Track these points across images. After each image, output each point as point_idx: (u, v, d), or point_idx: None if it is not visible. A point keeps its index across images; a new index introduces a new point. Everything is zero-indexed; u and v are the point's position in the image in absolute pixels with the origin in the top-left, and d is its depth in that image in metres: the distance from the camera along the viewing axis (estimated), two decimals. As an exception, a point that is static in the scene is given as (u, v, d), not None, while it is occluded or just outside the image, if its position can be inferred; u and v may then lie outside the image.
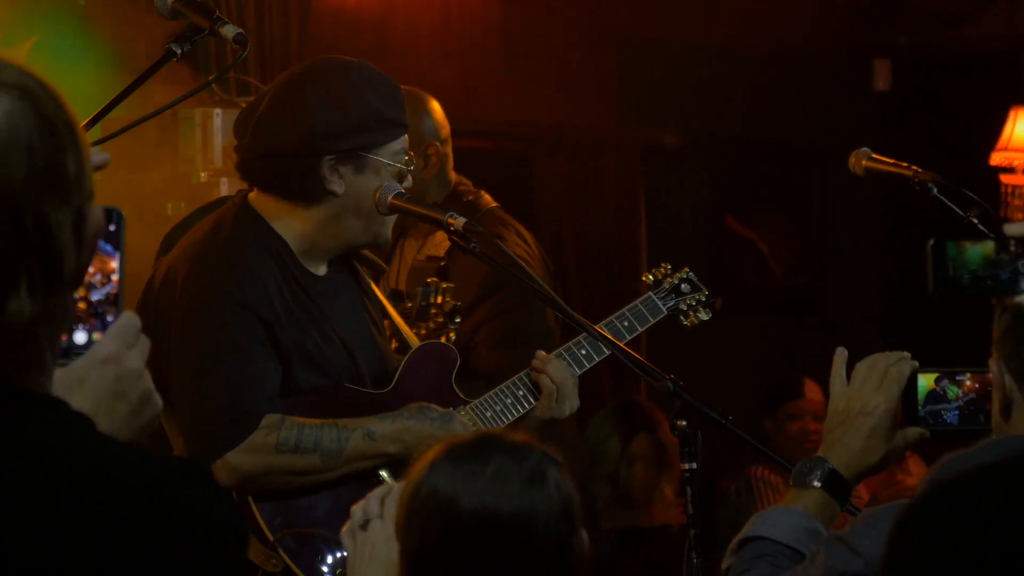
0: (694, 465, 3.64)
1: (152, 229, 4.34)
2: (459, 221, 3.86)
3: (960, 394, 2.83)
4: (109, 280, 1.96)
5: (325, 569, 3.72)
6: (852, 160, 4.29)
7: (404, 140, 3.91)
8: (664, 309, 4.35)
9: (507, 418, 4.02)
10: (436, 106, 4.85)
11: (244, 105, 4.19)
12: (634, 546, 6.40)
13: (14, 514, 1.70)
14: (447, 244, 4.27)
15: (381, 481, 3.80)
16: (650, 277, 4.39)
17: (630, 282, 4.43)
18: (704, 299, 4.41)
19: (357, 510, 2.71)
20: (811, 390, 6.94)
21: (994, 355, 2.38)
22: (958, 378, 2.84)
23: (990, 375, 2.44)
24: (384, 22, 7.21)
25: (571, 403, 4.05)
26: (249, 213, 3.89)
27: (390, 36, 7.19)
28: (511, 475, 2.48)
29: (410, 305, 4.25)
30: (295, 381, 3.80)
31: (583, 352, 4.12)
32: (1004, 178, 7.75)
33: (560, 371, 4.04)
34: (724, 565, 2.93)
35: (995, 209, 4.61)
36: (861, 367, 2.94)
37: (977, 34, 8.88)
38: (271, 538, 3.70)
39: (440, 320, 4.18)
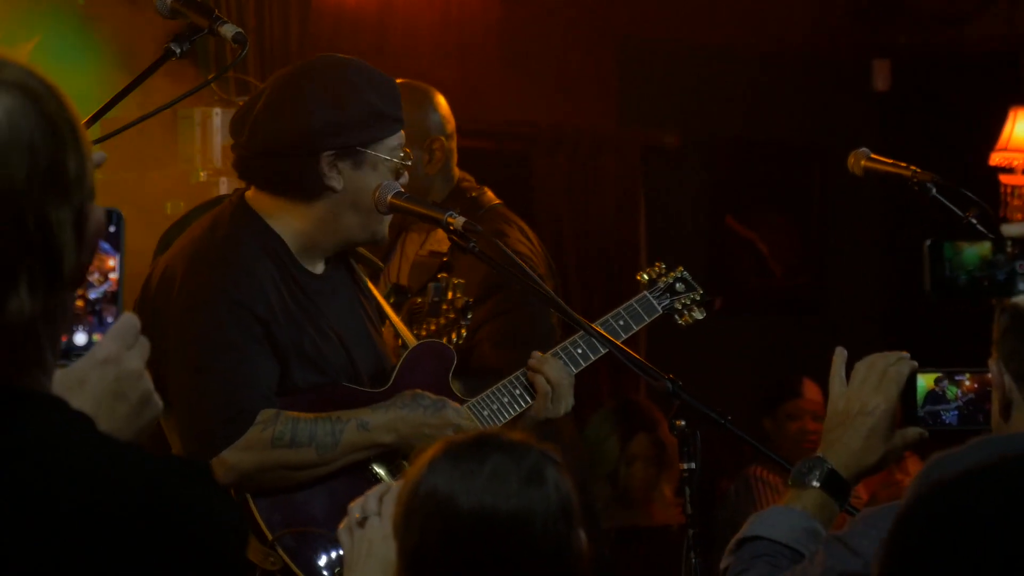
0: (693, 465, 3.64)
1: (152, 228, 4.35)
2: (458, 220, 3.86)
3: (959, 394, 2.84)
4: (107, 278, 1.96)
5: (324, 568, 3.72)
6: (851, 160, 4.29)
7: (401, 136, 3.91)
8: (659, 308, 4.35)
9: (504, 416, 4.03)
10: (442, 101, 4.84)
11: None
12: (633, 546, 6.40)
13: (14, 514, 1.70)
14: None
15: (378, 478, 3.80)
16: (645, 276, 4.39)
17: (630, 282, 4.42)
18: (699, 298, 4.41)
19: (355, 507, 2.71)
20: (810, 390, 6.95)
21: (993, 355, 2.38)
22: (957, 378, 2.84)
23: (989, 375, 2.44)
24: (384, 22, 7.21)
25: (566, 403, 4.05)
26: (246, 211, 3.89)
27: (390, 36, 7.19)
28: (509, 474, 2.48)
29: (420, 301, 4.25)
30: (292, 379, 3.80)
31: (579, 351, 4.12)
32: (1003, 178, 7.75)
33: (556, 371, 4.04)
34: (723, 565, 2.93)
35: (994, 209, 4.62)
36: (860, 367, 2.94)
37: (977, 34, 8.88)
38: (270, 537, 3.70)
39: (452, 316, 4.17)
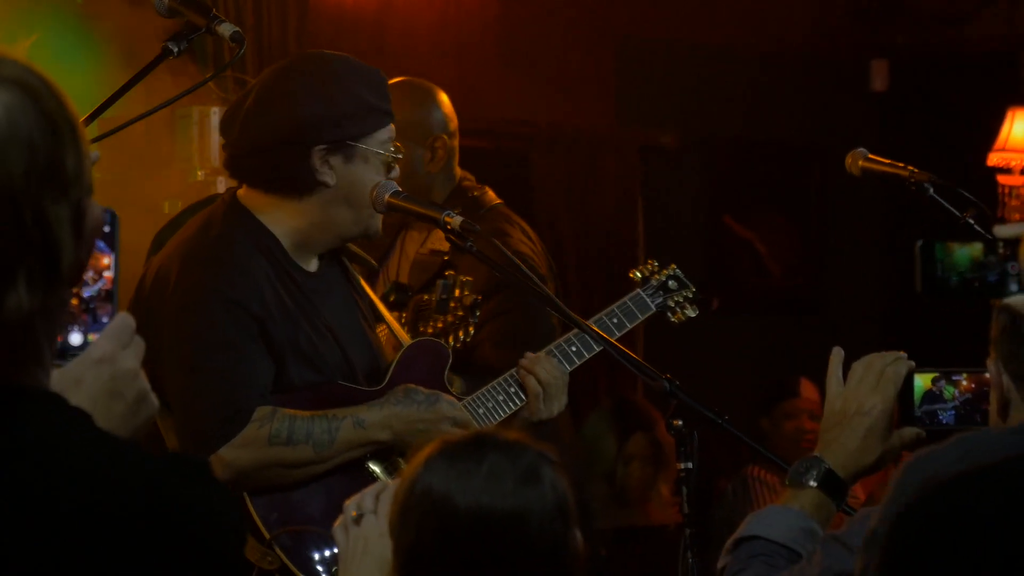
0: (690, 464, 3.64)
1: (150, 228, 4.35)
2: (456, 220, 3.86)
3: (956, 394, 2.84)
4: (101, 276, 1.96)
5: (321, 566, 3.72)
6: (848, 160, 4.29)
7: (391, 129, 3.91)
8: (652, 306, 4.35)
9: (499, 415, 4.03)
10: (444, 98, 4.83)
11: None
12: (630, 545, 6.40)
13: (14, 514, 1.70)
14: (451, 238, 4.27)
15: (374, 476, 3.80)
16: (638, 274, 4.39)
17: (628, 281, 4.42)
18: (691, 295, 4.41)
19: (351, 505, 2.71)
20: (807, 389, 6.95)
21: (992, 355, 2.38)
22: (954, 378, 2.84)
23: (987, 375, 2.44)
24: (382, 21, 7.22)
25: (559, 403, 4.05)
26: (239, 210, 3.89)
27: (388, 34, 7.20)
28: (506, 474, 2.48)
29: (427, 298, 4.24)
30: (288, 377, 3.79)
31: (574, 349, 4.12)
32: (1001, 179, 7.75)
33: (547, 371, 4.04)
34: (720, 564, 2.93)
35: (992, 209, 4.62)
36: (857, 367, 2.94)
37: (976, 34, 8.88)
38: (267, 536, 3.70)
39: (460, 314, 4.17)
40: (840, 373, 2.97)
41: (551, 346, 4.12)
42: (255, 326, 3.75)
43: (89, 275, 1.94)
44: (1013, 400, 2.37)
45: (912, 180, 4.18)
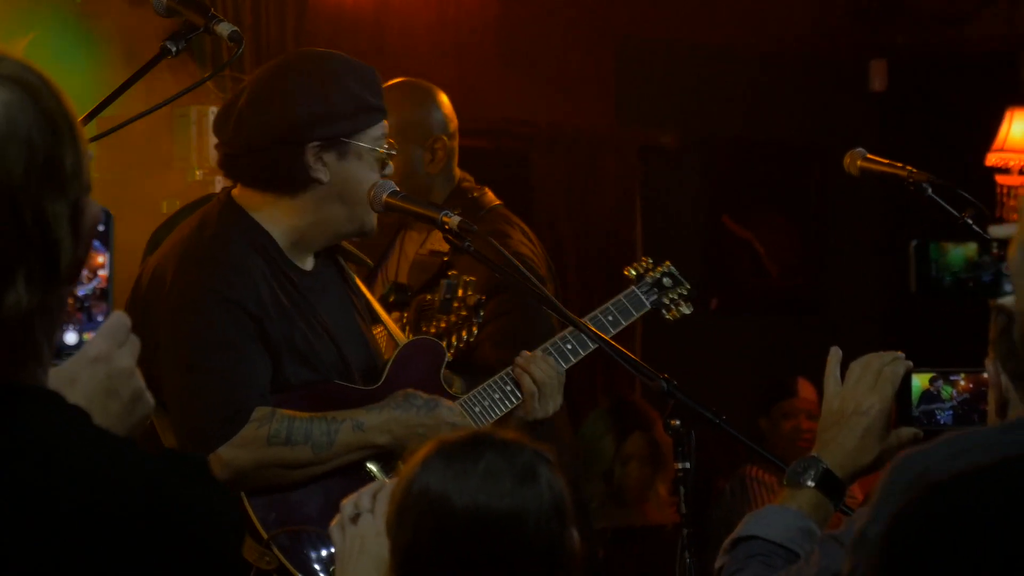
0: (688, 464, 3.64)
1: (147, 227, 4.34)
2: (454, 220, 3.86)
3: (954, 394, 2.83)
4: (95, 275, 1.96)
5: (319, 566, 3.71)
6: (847, 160, 4.29)
7: (384, 126, 3.91)
8: (647, 303, 4.35)
9: (496, 413, 4.03)
10: (444, 99, 4.82)
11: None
12: (628, 545, 6.40)
13: (14, 513, 1.70)
14: (451, 238, 4.26)
15: (372, 477, 3.80)
16: (632, 271, 4.39)
17: (627, 281, 4.42)
18: (686, 292, 4.41)
19: (348, 504, 2.71)
20: (804, 389, 6.96)
21: (990, 355, 2.38)
22: (952, 378, 2.84)
23: (984, 375, 2.44)
24: (381, 20, 7.21)
25: (554, 402, 4.05)
26: (234, 209, 3.88)
27: (387, 34, 7.19)
28: (503, 473, 2.48)
29: (430, 298, 4.24)
30: (284, 376, 3.79)
31: (569, 347, 4.12)
32: (1000, 179, 7.75)
33: (542, 371, 4.04)
34: (717, 564, 2.93)
35: (991, 210, 4.62)
36: (855, 367, 2.94)
37: (975, 34, 8.88)
38: (265, 536, 3.70)
39: (463, 314, 4.16)
40: (838, 373, 2.96)
41: (547, 344, 4.12)
42: (252, 325, 3.75)
43: (84, 274, 1.94)
44: (1011, 400, 2.37)
45: (910, 180, 4.18)
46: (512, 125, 7.92)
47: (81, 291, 1.95)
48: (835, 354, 2.99)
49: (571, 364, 4.12)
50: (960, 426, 2.81)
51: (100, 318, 1.97)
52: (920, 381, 2.86)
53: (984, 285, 2.27)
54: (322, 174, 3.83)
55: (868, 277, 9.30)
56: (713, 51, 8.57)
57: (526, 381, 4.03)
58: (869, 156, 4.28)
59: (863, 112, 9.18)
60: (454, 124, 4.80)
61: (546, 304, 4.05)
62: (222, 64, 4.55)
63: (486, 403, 4.04)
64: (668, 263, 4.42)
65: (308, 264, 3.93)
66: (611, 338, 4.00)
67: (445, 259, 4.58)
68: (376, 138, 3.88)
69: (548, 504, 2.49)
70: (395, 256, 4.82)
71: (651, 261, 4.42)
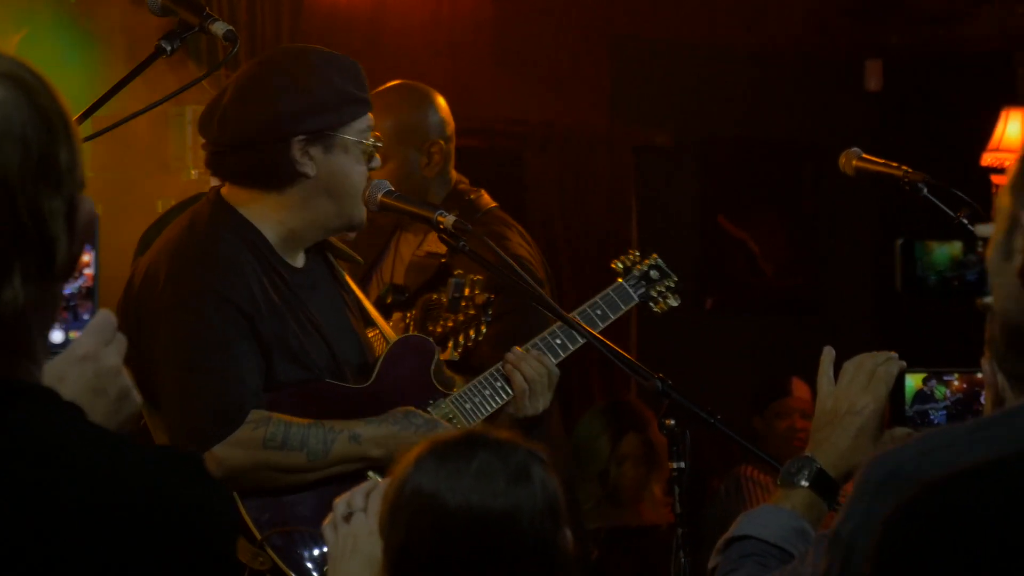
0: (682, 464, 3.64)
1: (143, 227, 4.34)
2: (449, 220, 3.86)
3: (948, 394, 2.83)
4: (81, 274, 1.96)
5: (313, 566, 3.71)
6: (842, 160, 4.29)
7: (369, 119, 3.90)
8: (635, 296, 4.35)
9: (487, 409, 4.02)
10: (442, 102, 4.80)
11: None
12: (623, 545, 6.40)
13: (14, 512, 1.70)
14: (449, 239, 4.26)
15: (367, 476, 3.80)
16: (619, 264, 4.39)
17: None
18: (673, 285, 4.40)
19: (340, 503, 2.71)
20: (799, 388, 6.96)
21: (986, 354, 2.38)
22: (946, 378, 2.84)
23: (978, 375, 2.44)
24: (375, 19, 7.21)
25: (544, 400, 4.05)
26: (223, 207, 3.88)
27: (381, 33, 7.19)
28: (496, 472, 2.48)
29: (436, 297, 4.23)
30: (275, 375, 3.79)
31: (558, 342, 4.12)
32: (995, 179, 7.75)
33: (532, 368, 4.04)
34: (711, 564, 2.92)
35: (986, 210, 4.61)
36: (848, 367, 2.94)
37: (971, 34, 8.88)
38: (258, 536, 3.70)
39: (472, 312, 4.16)
40: (831, 372, 2.96)
41: (536, 339, 4.12)
42: (246, 323, 3.75)
43: None
44: (1008, 399, 2.36)
45: (906, 180, 4.19)
46: (506, 124, 7.91)
47: (67, 289, 1.95)
48: (828, 354, 2.99)
49: (560, 359, 4.12)
50: (954, 427, 2.81)
51: (86, 316, 1.97)
52: (914, 381, 2.86)
53: (969, 284, 2.27)
54: (309, 168, 3.82)
55: (863, 277, 9.30)
56: (707, 50, 8.57)
57: (517, 378, 4.03)
58: (864, 156, 4.28)
59: (859, 112, 9.17)
60: (451, 127, 4.79)
61: (542, 304, 4.05)
62: (218, 63, 4.54)
63: (477, 400, 4.03)
64: (655, 255, 4.42)
65: (299, 261, 3.93)
66: (608, 339, 3.99)
67: (443, 260, 4.58)
68: (362, 131, 3.88)
69: (542, 504, 2.49)
70: (390, 258, 4.82)
71: (638, 254, 4.41)
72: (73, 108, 1.85)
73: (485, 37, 7.65)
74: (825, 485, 2.91)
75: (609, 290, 4.32)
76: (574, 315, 4.07)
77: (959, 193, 4.14)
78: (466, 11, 7.54)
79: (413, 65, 6.62)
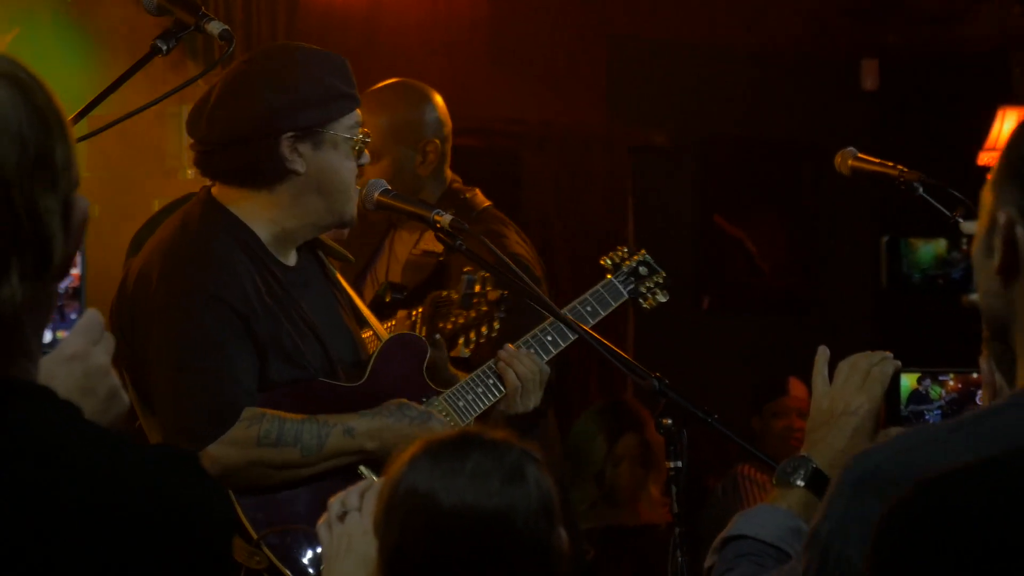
0: (679, 463, 3.64)
1: (139, 226, 4.34)
2: (445, 218, 3.86)
3: (943, 394, 2.83)
4: (68, 274, 1.96)
5: (310, 565, 3.71)
6: (838, 160, 4.29)
7: (357, 115, 3.89)
8: (625, 293, 4.36)
9: (480, 406, 4.03)
10: (440, 101, 4.80)
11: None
12: (620, 545, 6.40)
13: (14, 511, 1.70)
14: (445, 238, 4.25)
15: (361, 475, 3.80)
16: (608, 261, 4.39)
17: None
18: (662, 281, 4.41)
19: (335, 502, 2.72)
20: (796, 388, 6.96)
21: (984, 353, 2.38)
22: (941, 378, 2.84)
23: (974, 375, 2.44)
24: (371, 18, 7.21)
25: (536, 397, 4.05)
26: (215, 207, 3.87)
27: (377, 32, 7.19)
28: (490, 472, 2.48)
29: (446, 294, 4.23)
30: (269, 374, 3.78)
31: (549, 338, 4.13)
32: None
33: (525, 366, 4.04)
34: (707, 564, 2.92)
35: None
36: (843, 366, 2.93)
37: (968, 33, 8.88)
38: (255, 536, 3.70)
39: (484, 309, 4.16)
40: (826, 372, 2.96)
41: (527, 336, 4.12)
42: (240, 323, 3.74)
43: None
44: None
45: (901, 179, 4.19)
46: (503, 124, 7.91)
47: None
48: (823, 353, 2.98)
49: (551, 356, 4.12)
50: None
51: (73, 316, 1.97)
52: (909, 381, 2.86)
53: (954, 282, 2.28)
54: (298, 165, 3.82)
55: (861, 276, 9.30)
56: (704, 50, 8.57)
57: (510, 376, 4.03)
58: (860, 155, 4.28)
59: (855, 111, 9.18)
60: (448, 127, 4.79)
61: (540, 304, 4.05)
62: (214, 63, 4.54)
63: (470, 397, 4.04)
64: (643, 251, 4.42)
65: (291, 259, 3.92)
66: (605, 339, 3.99)
67: (440, 259, 4.58)
68: (350, 126, 3.87)
69: (536, 503, 2.49)
70: (384, 257, 4.82)
71: (626, 250, 4.42)
72: (70, 107, 1.85)
73: (481, 36, 7.65)
74: (821, 485, 2.90)
75: (599, 287, 4.33)
76: (565, 312, 4.07)
77: (954, 192, 4.14)
78: (462, 10, 7.54)
79: (409, 64, 6.61)
